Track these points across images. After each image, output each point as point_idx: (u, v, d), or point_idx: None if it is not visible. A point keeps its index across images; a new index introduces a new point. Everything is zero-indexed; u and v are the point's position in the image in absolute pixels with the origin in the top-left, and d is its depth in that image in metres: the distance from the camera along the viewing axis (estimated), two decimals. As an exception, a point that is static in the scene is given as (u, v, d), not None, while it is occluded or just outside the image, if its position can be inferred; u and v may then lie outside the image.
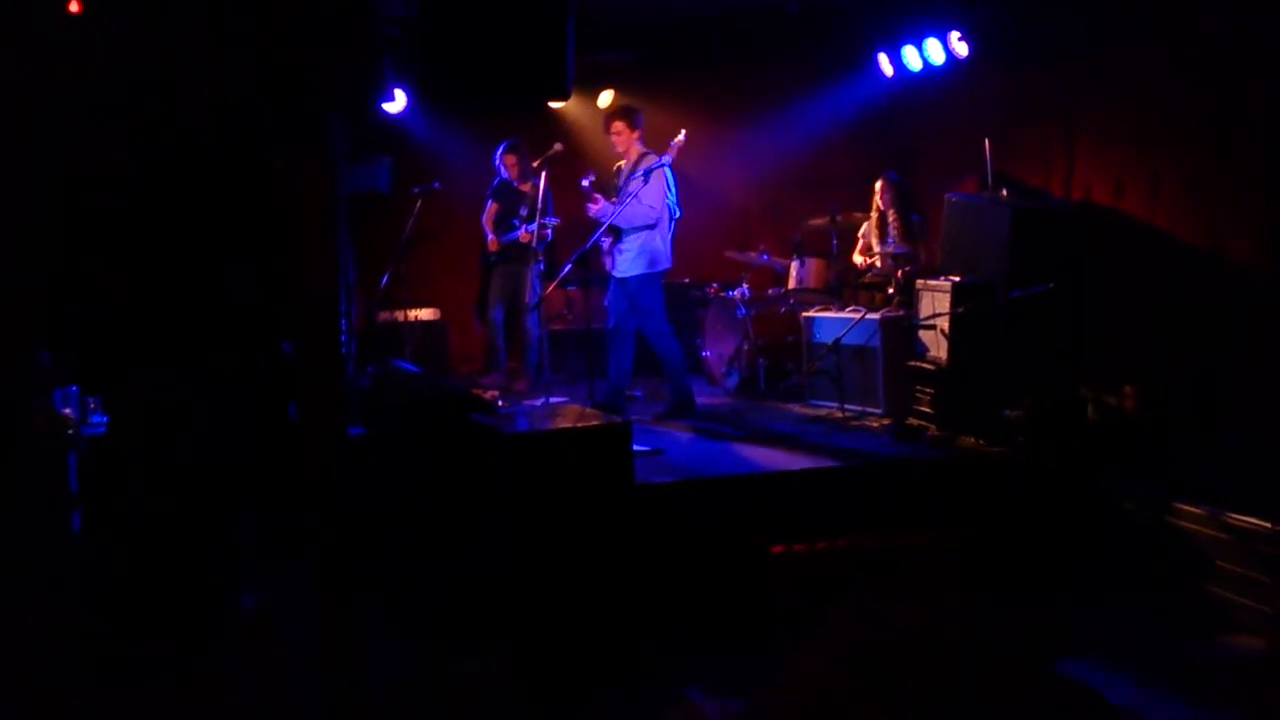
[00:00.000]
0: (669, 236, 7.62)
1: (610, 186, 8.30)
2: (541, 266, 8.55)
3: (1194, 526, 5.42)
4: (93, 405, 6.17)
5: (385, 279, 8.93)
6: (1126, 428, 6.46)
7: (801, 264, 8.65)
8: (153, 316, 5.48)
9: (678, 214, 7.68)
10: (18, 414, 5.54)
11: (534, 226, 8.42)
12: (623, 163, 7.78)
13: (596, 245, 7.47)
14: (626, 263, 7.49)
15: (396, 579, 5.55)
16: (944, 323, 6.94)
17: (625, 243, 7.48)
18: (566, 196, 8.80)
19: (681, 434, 7.15)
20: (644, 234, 7.43)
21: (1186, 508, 5.49)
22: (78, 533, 5.46)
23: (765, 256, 9.17)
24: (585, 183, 7.72)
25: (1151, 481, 5.86)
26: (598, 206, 7.53)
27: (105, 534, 5.19)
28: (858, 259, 8.68)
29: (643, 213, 7.38)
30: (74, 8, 5.92)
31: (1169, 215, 6.88)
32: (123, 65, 5.35)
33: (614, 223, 7.42)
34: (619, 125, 7.66)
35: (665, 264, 7.60)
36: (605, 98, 10.01)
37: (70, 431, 5.84)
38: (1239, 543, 5.18)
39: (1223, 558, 5.26)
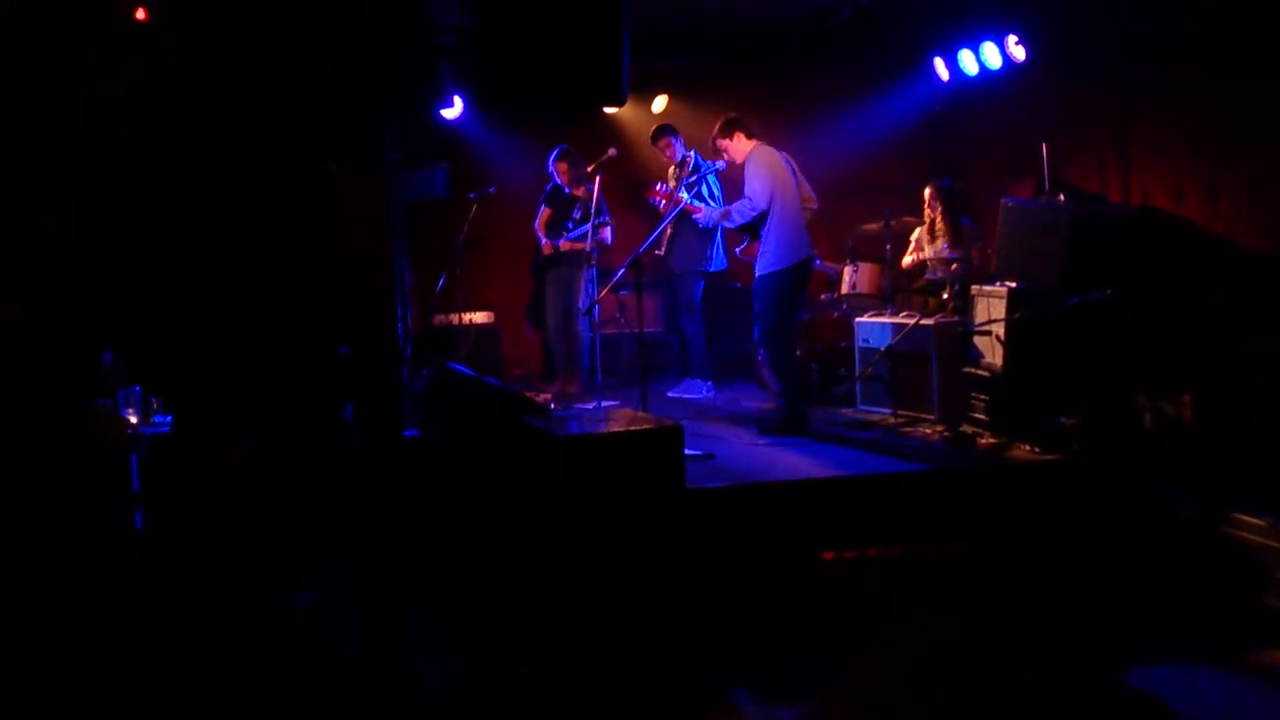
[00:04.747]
0: None
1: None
2: (594, 271, 8.60)
3: (1253, 538, 5.33)
4: (155, 405, 6.30)
5: (440, 283, 9.03)
6: (1184, 436, 6.37)
7: (855, 269, 8.61)
8: (214, 317, 5.58)
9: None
10: (80, 415, 5.65)
11: (587, 228, 8.47)
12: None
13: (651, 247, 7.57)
14: None
15: (448, 580, 5.60)
16: (999, 329, 6.88)
17: None
18: (618, 201, 8.86)
19: (734, 439, 7.15)
20: None
21: (1245, 519, 5.40)
22: (139, 531, 5.57)
23: (818, 261, 9.13)
24: None
25: (1209, 491, 5.77)
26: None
27: (166, 531, 5.29)
28: (906, 260, 8.64)
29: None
30: (139, 16, 6.05)
31: (1229, 221, 6.77)
32: (182, 71, 5.44)
33: None
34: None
35: None
36: (659, 103, 10.03)
37: (132, 431, 5.95)
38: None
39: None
